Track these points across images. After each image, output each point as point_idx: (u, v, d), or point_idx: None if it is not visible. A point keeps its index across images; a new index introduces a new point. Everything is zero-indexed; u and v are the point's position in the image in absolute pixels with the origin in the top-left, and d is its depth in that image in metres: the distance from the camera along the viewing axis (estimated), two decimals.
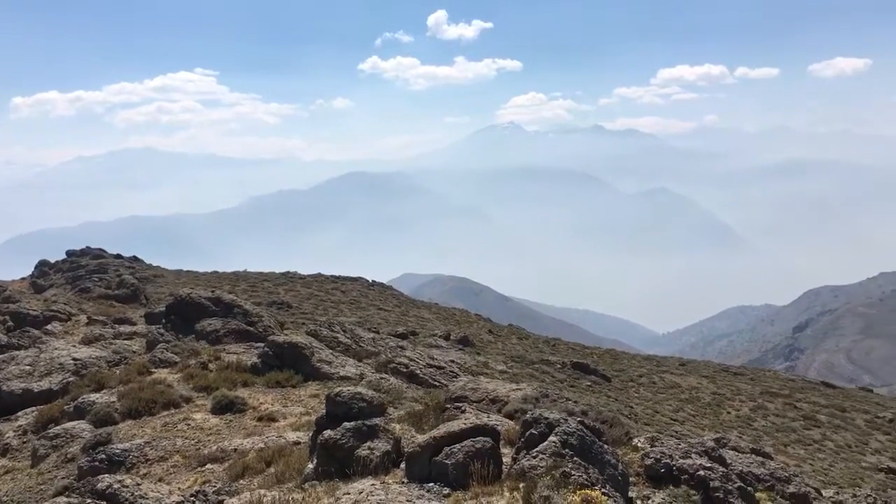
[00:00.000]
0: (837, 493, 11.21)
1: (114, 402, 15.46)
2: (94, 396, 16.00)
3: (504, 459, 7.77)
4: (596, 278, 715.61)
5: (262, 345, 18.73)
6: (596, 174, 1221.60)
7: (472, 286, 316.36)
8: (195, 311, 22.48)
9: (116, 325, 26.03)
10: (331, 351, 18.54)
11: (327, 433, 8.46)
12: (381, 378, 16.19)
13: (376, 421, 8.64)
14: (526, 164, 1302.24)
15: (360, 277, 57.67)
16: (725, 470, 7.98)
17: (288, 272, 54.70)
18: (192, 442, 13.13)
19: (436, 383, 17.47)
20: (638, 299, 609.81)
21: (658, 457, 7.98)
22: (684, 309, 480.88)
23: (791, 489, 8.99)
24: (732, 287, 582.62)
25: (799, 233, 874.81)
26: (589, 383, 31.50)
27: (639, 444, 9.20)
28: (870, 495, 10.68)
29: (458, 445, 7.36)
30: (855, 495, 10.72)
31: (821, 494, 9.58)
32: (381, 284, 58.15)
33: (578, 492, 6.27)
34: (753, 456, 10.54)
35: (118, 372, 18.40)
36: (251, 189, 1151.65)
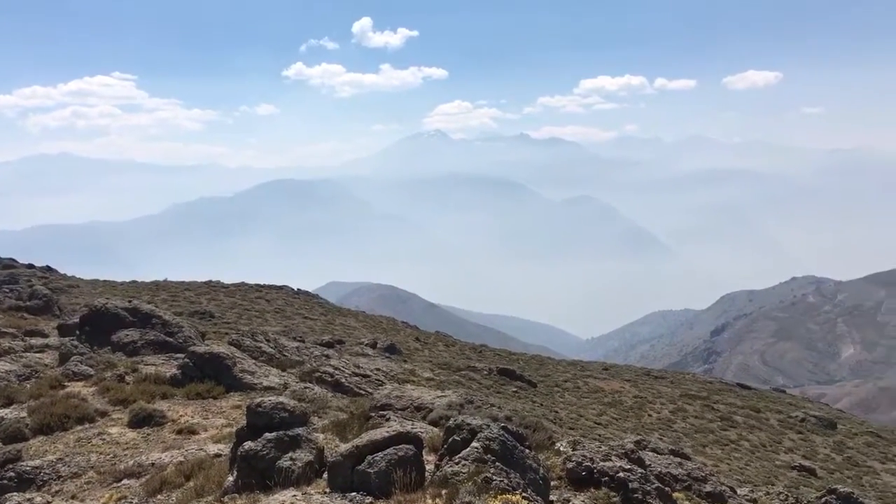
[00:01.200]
0: (752, 490, 11.56)
1: (24, 417, 14.79)
2: (2, 412, 15.28)
3: (427, 467, 7.74)
4: (522, 285, 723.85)
5: (182, 356, 18.24)
6: (521, 182, 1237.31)
7: (400, 294, 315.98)
8: (111, 323, 21.75)
9: (27, 338, 24.94)
10: (254, 361, 18.19)
11: (248, 445, 8.27)
12: (306, 387, 15.97)
13: (299, 431, 8.48)
14: (452, 171, 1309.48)
15: (285, 286, 56.89)
16: (644, 471, 8.15)
17: (210, 281, 53.53)
18: (108, 457, 12.66)
19: (361, 392, 17.33)
20: (563, 305, 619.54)
21: (579, 460, 8.09)
22: (608, 314, 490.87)
23: (707, 488, 9.23)
24: (654, 293, 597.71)
25: (716, 239, 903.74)
26: (515, 389, 31.76)
27: (561, 448, 9.30)
28: (782, 492, 11.05)
29: (380, 454, 7.29)
30: (768, 493, 11.07)
31: (735, 493, 9.87)
32: (307, 293, 57.48)
33: (500, 497, 6.30)
34: (672, 457, 10.78)
35: (29, 386, 17.63)
36: (173, 196, 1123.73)
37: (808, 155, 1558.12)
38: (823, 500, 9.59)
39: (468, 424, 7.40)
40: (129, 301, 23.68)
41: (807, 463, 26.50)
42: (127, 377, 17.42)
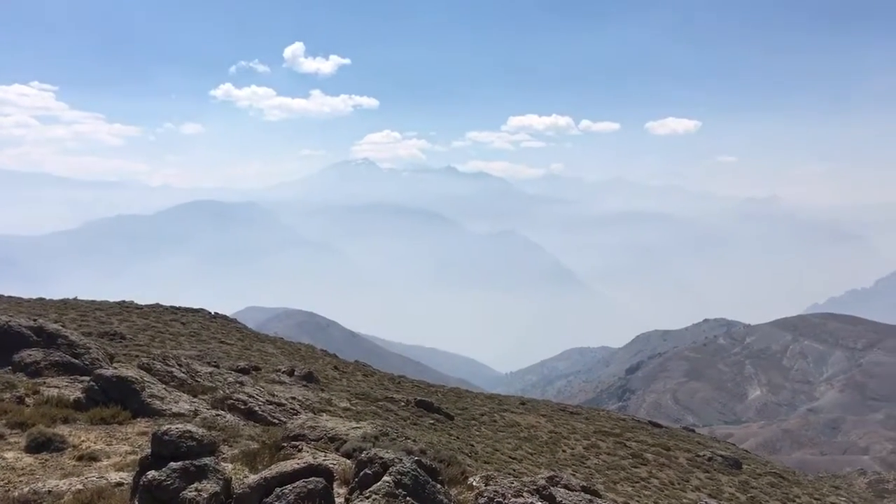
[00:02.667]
0: None
1: None
2: None
3: (338, 500, 7.59)
4: (444, 317, 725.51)
5: (87, 378, 17.50)
6: (447, 214, 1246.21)
7: (320, 321, 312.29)
8: (13, 341, 20.72)
9: None
10: (164, 386, 17.59)
11: (151, 474, 7.94)
12: (217, 415, 15.51)
13: (206, 461, 8.18)
14: (379, 200, 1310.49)
15: (202, 309, 55.49)
16: None
17: (123, 301, 51.80)
18: (2, 483, 12.01)
19: (275, 421, 16.94)
20: (483, 339, 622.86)
21: (491, 496, 8.07)
22: (527, 349, 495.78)
23: None
24: (572, 329, 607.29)
25: (633, 279, 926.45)
26: (432, 421, 31.63)
27: (474, 483, 9.28)
28: None
29: (289, 486, 7.10)
30: None
31: None
32: (225, 317, 56.20)
33: None
34: (583, 493, 10.87)
35: None
36: (89, 212, 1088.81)
37: (722, 202, 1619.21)
38: None
39: (380, 458, 7.30)
40: (35, 319, 22.67)
41: (712, 502, 27.08)
42: (27, 399, 16.60)
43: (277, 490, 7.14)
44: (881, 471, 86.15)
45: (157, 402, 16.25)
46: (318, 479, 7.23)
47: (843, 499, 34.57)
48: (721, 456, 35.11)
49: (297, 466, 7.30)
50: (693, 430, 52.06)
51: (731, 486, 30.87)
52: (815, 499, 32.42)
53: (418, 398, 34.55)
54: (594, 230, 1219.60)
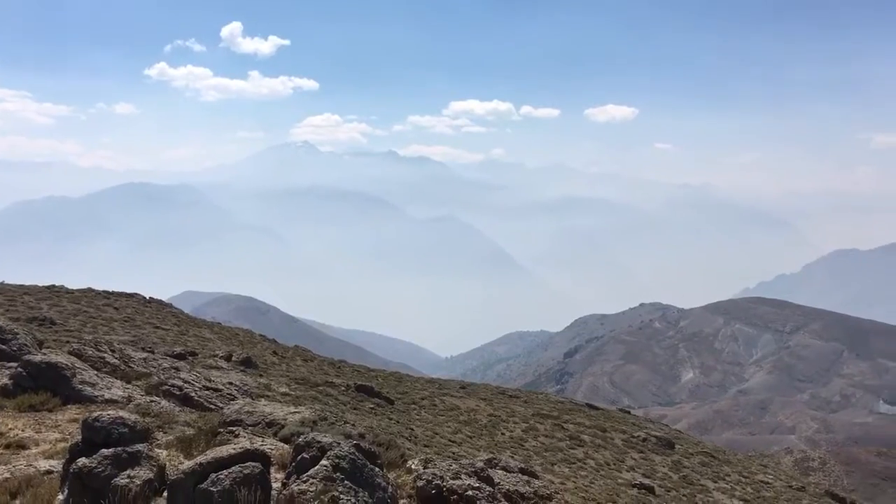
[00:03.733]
0: None
1: None
2: None
3: (275, 485, 7.51)
4: (384, 301, 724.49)
5: (15, 364, 16.94)
6: (388, 198, 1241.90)
7: (259, 306, 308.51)
8: None
9: None
10: (96, 372, 17.15)
11: (81, 461, 7.72)
12: (152, 401, 15.21)
13: (139, 447, 8.00)
14: (319, 184, 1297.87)
15: (136, 294, 54.18)
16: (493, 489, 8.27)
17: (53, 286, 50.21)
18: None
19: (212, 406, 16.69)
20: (424, 323, 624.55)
21: (430, 478, 8.11)
22: (467, 333, 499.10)
23: None
24: (512, 314, 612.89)
25: (572, 264, 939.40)
26: (372, 406, 31.58)
27: (413, 467, 9.30)
28: None
29: (225, 472, 6.99)
30: None
31: None
32: (160, 302, 55.00)
33: None
34: (521, 475, 11.00)
35: None
36: (16, 193, 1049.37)
37: (658, 188, 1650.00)
38: None
39: (318, 442, 7.25)
40: None
41: (646, 481, 27.77)
42: None
43: (213, 476, 7.02)
44: (807, 449, 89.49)
45: (89, 388, 15.84)
46: (254, 464, 7.14)
47: (771, 476, 35.78)
48: (655, 437, 35.94)
49: (232, 452, 7.19)
50: (629, 412, 53.16)
51: (664, 466, 31.64)
52: (744, 477, 33.48)
53: (358, 383, 34.45)
54: (534, 215, 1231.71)
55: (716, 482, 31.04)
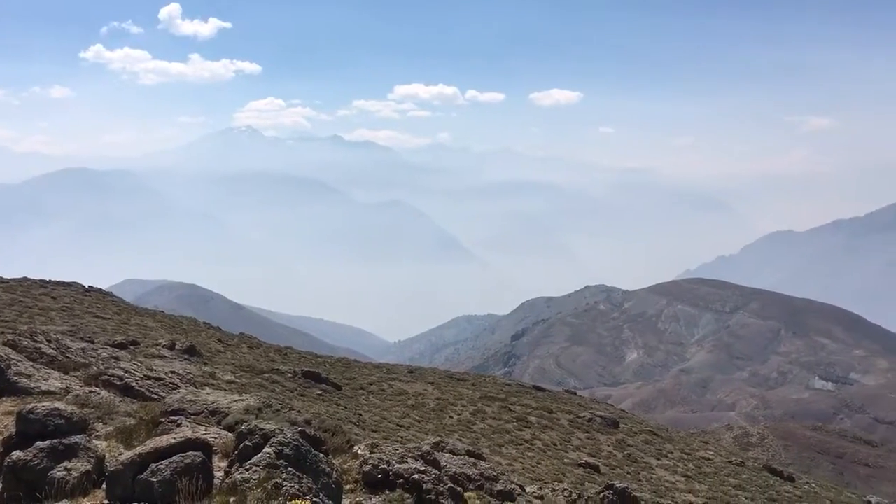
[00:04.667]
0: (540, 488, 12.12)
1: None
2: None
3: (218, 474, 7.40)
4: (331, 287, 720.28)
5: None
6: (333, 184, 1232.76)
7: (203, 294, 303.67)
8: None
9: None
10: (32, 363, 16.66)
11: (16, 454, 7.49)
12: (91, 392, 14.82)
13: (76, 439, 7.79)
14: (263, 169, 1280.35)
15: (74, 283, 52.81)
16: (439, 472, 8.30)
17: None
18: None
19: (154, 396, 16.37)
20: (371, 308, 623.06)
21: (376, 463, 8.10)
22: (415, 318, 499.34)
23: (498, 487, 9.57)
24: (460, 297, 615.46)
25: (519, 248, 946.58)
26: (319, 392, 31.41)
27: (359, 452, 9.27)
28: (566, 489, 11.68)
29: (165, 461, 6.86)
30: (554, 489, 11.66)
31: (524, 490, 10.30)
32: (100, 291, 53.71)
33: (289, 502, 6.15)
34: (467, 458, 11.08)
35: None
36: None
37: (603, 172, 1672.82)
38: (601, 495, 10.24)
39: (261, 429, 7.16)
40: None
41: (592, 460, 28.24)
42: None
43: (153, 466, 6.88)
44: (746, 425, 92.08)
45: (25, 380, 15.38)
46: (195, 453, 7.02)
47: (712, 453, 36.73)
48: (600, 416, 36.54)
49: (173, 441, 7.06)
50: (574, 393, 53.91)
51: (609, 445, 32.22)
52: (686, 454, 34.28)
53: (305, 369, 34.23)
54: (481, 200, 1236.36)
55: (659, 459, 31.73)
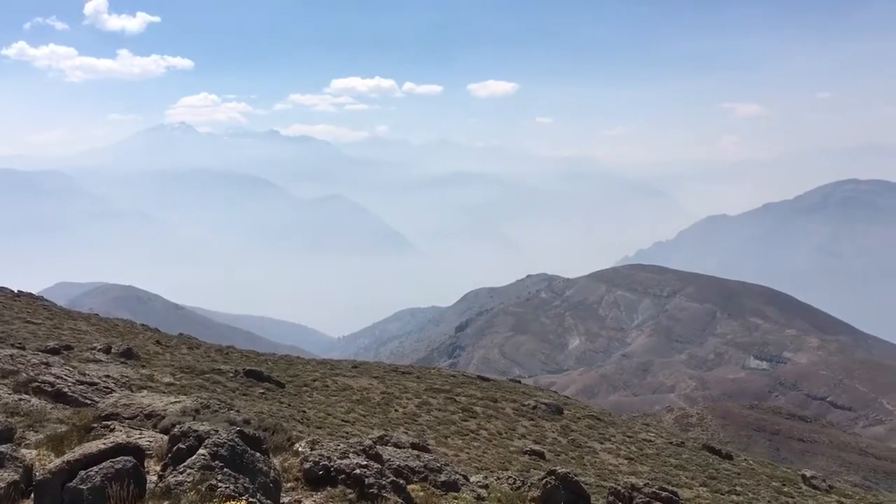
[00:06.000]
0: (486, 477, 12.18)
1: None
2: None
3: (152, 478, 7.21)
4: (273, 284, 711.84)
5: None
6: (272, 179, 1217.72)
7: (140, 295, 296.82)
8: None
9: None
10: None
11: None
12: (21, 399, 14.36)
13: (2, 448, 7.50)
14: (199, 166, 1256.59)
15: (2, 287, 51.05)
16: (381, 466, 8.24)
17: None
18: None
19: (87, 401, 15.91)
20: (314, 304, 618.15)
21: (317, 459, 8.00)
22: (358, 312, 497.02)
23: (442, 478, 9.57)
24: (403, 290, 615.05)
25: (460, 239, 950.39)
26: (262, 391, 31.01)
27: (300, 449, 9.15)
28: (511, 476, 11.75)
29: (95, 468, 6.64)
30: (499, 477, 11.73)
31: (468, 480, 10.33)
32: (30, 295, 51.99)
33: (224, 503, 6.03)
34: (411, 450, 11.05)
35: None
36: None
37: (541, 162, 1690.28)
38: (545, 480, 10.32)
39: (195, 431, 6.99)
40: None
41: (537, 447, 28.52)
42: None
43: (82, 473, 6.66)
44: (685, 406, 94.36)
45: None
46: (127, 457, 6.81)
47: (653, 434, 37.47)
48: (544, 404, 36.92)
49: (103, 447, 6.84)
50: (519, 382, 54.38)
51: (553, 432, 32.59)
52: (628, 437, 34.91)
53: (247, 368, 33.75)
54: (421, 192, 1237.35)
55: (602, 443, 32.24)
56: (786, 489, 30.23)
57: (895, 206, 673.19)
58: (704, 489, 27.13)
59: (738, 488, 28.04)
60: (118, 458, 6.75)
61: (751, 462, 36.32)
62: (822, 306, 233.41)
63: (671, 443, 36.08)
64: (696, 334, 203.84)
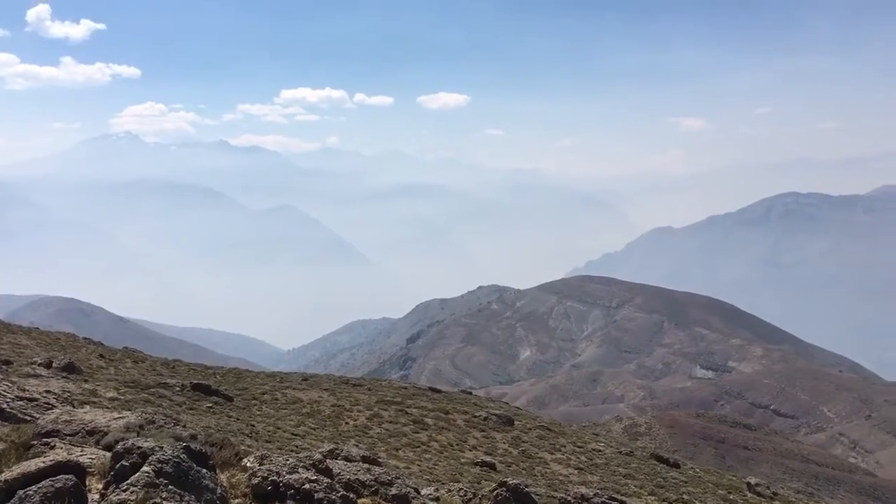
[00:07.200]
0: (437, 489, 12.14)
1: None
2: None
3: (94, 496, 7.01)
4: (220, 296, 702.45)
5: None
6: (221, 190, 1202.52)
7: (83, 307, 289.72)
8: None
9: None
10: None
11: None
12: None
13: None
14: (145, 176, 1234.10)
15: None
16: (331, 481, 8.14)
17: None
18: None
19: (27, 418, 15.44)
20: (263, 316, 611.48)
21: (265, 475, 7.87)
22: (309, 324, 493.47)
23: (393, 491, 9.50)
24: (354, 302, 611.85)
25: (411, 250, 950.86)
26: (210, 404, 30.48)
27: (248, 464, 9.00)
28: (462, 488, 11.74)
29: (34, 487, 6.41)
30: (450, 490, 11.70)
31: (419, 493, 10.27)
32: None
33: None
34: (362, 463, 10.96)
35: None
36: None
37: (492, 174, 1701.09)
38: (495, 492, 10.34)
39: (138, 448, 6.82)
40: None
41: (488, 458, 28.55)
42: None
43: (20, 492, 6.43)
44: (634, 416, 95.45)
45: None
46: (67, 476, 6.60)
47: (602, 444, 37.84)
48: (495, 415, 37.01)
49: (42, 465, 6.62)
50: (470, 393, 54.44)
51: (504, 443, 32.68)
52: (578, 447, 35.19)
53: (194, 381, 33.16)
54: (372, 203, 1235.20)
55: (552, 454, 32.43)
56: (731, 497, 30.80)
57: (832, 219, 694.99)
58: (653, 498, 27.46)
59: (685, 496, 28.46)
60: (58, 477, 6.54)
61: (697, 470, 36.91)
62: (765, 316, 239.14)
63: (620, 452, 36.47)
64: (645, 344, 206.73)
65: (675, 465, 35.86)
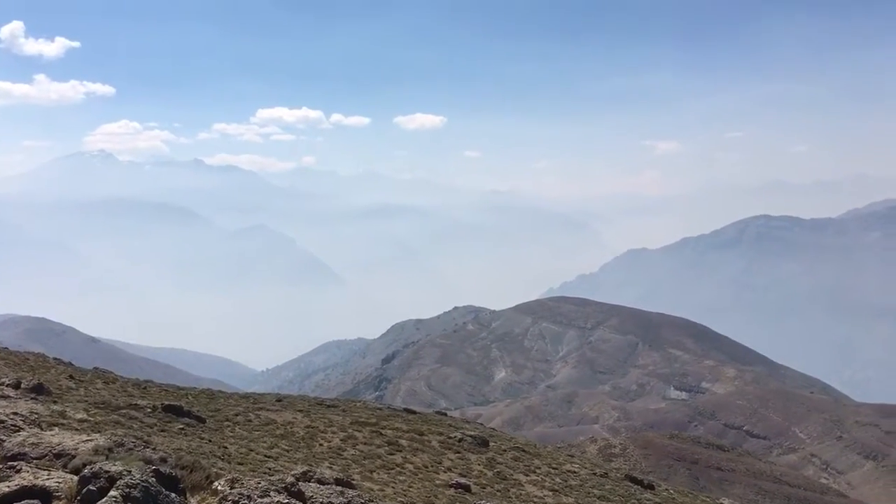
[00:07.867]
0: None
1: None
2: None
3: None
4: (195, 316, 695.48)
5: None
6: (195, 209, 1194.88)
7: (53, 327, 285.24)
8: None
9: None
10: None
11: None
12: None
13: None
14: (119, 195, 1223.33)
15: None
16: None
17: None
18: None
19: None
20: (237, 337, 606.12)
21: (236, 498, 7.78)
22: (283, 345, 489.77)
23: None
24: (329, 322, 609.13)
25: (388, 271, 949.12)
26: (182, 426, 30.07)
27: (219, 488, 8.89)
28: None
29: None
30: None
31: None
32: None
33: None
34: (335, 486, 10.86)
35: None
36: None
37: (469, 195, 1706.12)
38: None
39: (106, 472, 6.72)
40: None
41: (463, 480, 28.40)
42: None
43: None
44: (609, 437, 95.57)
45: None
46: (33, 501, 6.49)
47: (577, 465, 37.82)
48: (470, 436, 36.88)
49: (7, 489, 6.51)
50: (445, 414, 54.29)
51: (479, 464, 32.55)
52: (553, 468, 35.14)
53: (166, 403, 32.70)
54: (348, 223, 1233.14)
55: (527, 475, 32.35)
56: None
57: (803, 241, 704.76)
58: None
59: None
60: (23, 502, 6.43)
61: (672, 491, 36.98)
62: (738, 337, 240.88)
63: (595, 473, 36.47)
64: (619, 365, 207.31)
65: (650, 487, 35.91)
